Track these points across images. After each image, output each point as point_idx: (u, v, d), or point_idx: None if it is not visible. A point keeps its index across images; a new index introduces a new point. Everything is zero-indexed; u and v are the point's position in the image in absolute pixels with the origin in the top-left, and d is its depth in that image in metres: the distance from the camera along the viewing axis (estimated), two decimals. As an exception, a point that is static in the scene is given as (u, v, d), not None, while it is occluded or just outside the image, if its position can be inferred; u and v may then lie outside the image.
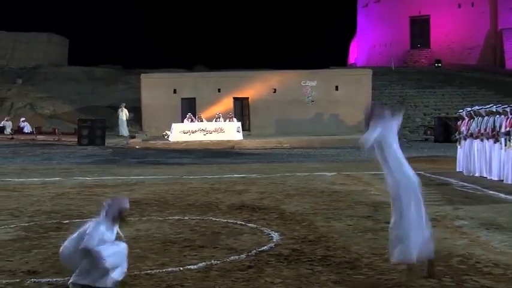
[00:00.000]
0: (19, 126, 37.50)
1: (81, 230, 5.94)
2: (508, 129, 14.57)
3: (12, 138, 34.63)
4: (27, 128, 37.26)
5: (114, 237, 5.96)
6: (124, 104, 37.17)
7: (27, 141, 33.01)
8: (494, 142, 15.31)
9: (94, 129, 31.51)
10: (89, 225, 5.87)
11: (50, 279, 6.34)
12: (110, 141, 31.84)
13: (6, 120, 38.22)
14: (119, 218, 6.02)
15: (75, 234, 5.98)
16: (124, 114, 36.77)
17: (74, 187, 14.35)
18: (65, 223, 9.60)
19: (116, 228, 6.02)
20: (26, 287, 6.16)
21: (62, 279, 6.33)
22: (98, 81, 49.34)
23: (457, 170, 17.41)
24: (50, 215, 10.36)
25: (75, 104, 44.95)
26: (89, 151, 27.43)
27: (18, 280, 6.33)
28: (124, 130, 36.61)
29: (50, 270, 6.74)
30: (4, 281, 6.28)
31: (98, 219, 5.92)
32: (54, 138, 34.17)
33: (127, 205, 6.19)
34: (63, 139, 33.74)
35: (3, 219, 10.00)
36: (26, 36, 57.00)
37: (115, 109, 38.03)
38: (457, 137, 17.89)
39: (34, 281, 6.30)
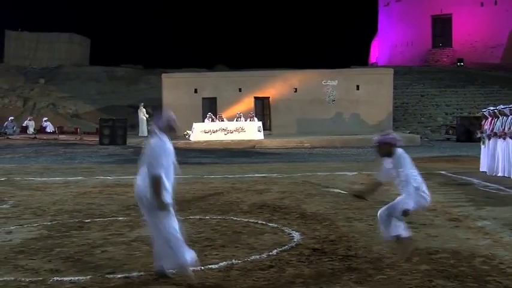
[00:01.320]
0: (41, 126, 37.83)
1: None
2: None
3: (35, 137, 34.91)
4: (50, 128, 37.58)
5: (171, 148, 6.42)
6: (143, 104, 37.30)
7: (50, 141, 33.25)
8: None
9: (115, 128, 31.65)
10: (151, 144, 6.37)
11: (72, 278, 6.38)
12: (131, 141, 31.97)
13: (29, 120, 38.60)
14: (169, 127, 6.52)
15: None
16: (143, 114, 36.90)
17: (95, 186, 14.43)
18: (86, 222, 9.66)
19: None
20: (48, 286, 6.19)
21: (83, 277, 6.37)
22: (119, 81, 49.63)
23: (481, 169, 17.26)
24: (72, 214, 10.43)
25: (96, 103, 45.27)
26: (111, 150, 27.57)
27: (41, 278, 6.37)
28: (143, 130, 36.73)
29: (72, 269, 6.78)
30: (27, 279, 6.33)
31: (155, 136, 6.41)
32: (76, 138, 34.41)
33: (173, 115, 6.69)
34: (84, 139, 33.98)
35: (27, 218, 10.08)
36: (48, 36, 57.54)
37: (136, 109, 38.19)
38: (480, 135, 17.76)
39: (57, 280, 6.33)
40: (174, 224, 6.25)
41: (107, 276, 6.45)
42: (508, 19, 56.48)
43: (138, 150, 28.24)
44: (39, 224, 9.51)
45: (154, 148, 6.33)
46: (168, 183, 6.26)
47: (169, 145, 6.41)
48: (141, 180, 6.44)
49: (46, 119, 38.81)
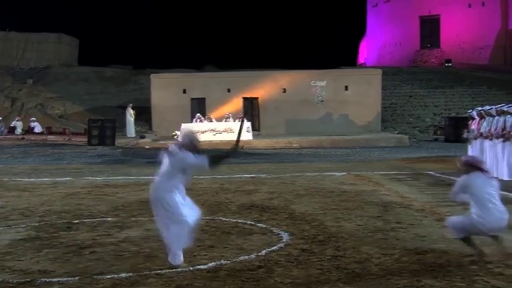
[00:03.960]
0: (29, 126, 37.65)
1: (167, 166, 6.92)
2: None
3: (23, 138, 34.75)
4: (38, 128, 37.41)
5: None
6: (131, 105, 37.20)
7: (38, 141, 33.10)
8: (504, 141, 15.29)
9: (104, 129, 31.56)
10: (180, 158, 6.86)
11: (61, 279, 6.36)
12: (119, 141, 31.90)
13: (17, 121, 38.42)
14: (193, 147, 6.99)
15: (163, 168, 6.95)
16: (130, 114, 36.79)
17: (84, 187, 14.39)
18: (75, 223, 9.64)
19: None
20: (36, 287, 6.18)
21: (72, 278, 6.36)
22: (108, 81, 49.48)
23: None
24: (60, 215, 10.40)
25: (85, 104, 45.11)
26: (99, 151, 27.50)
27: (29, 280, 6.34)
28: (130, 131, 36.64)
29: (60, 270, 6.76)
30: (15, 281, 6.30)
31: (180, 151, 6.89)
32: (64, 138, 34.27)
33: (194, 135, 7.33)
34: (73, 139, 33.84)
35: (14, 219, 10.04)
36: (37, 36, 57.24)
37: (125, 109, 38.09)
38: (466, 135, 17.85)
39: (45, 281, 6.31)
40: (181, 228, 6.76)
41: (95, 277, 6.43)
42: (496, 20, 56.78)
43: (127, 150, 28.11)
44: (27, 225, 9.47)
45: (185, 154, 6.88)
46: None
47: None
48: (159, 183, 6.92)
49: (34, 119, 38.62)
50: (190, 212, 6.90)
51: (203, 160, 6.90)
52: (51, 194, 13.13)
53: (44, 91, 47.35)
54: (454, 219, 7.28)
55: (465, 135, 18.26)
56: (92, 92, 46.84)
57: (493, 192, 7.05)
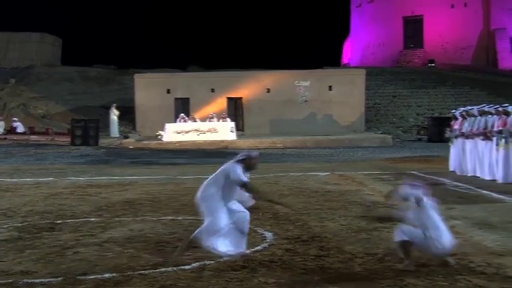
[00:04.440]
0: (12, 126, 37.35)
1: (217, 173, 7.31)
2: (500, 128, 14.66)
3: (5, 138, 34.49)
4: (20, 128, 37.12)
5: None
6: (115, 105, 37.05)
7: (20, 142, 32.90)
8: (483, 139, 15.42)
9: (87, 129, 31.44)
10: (227, 168, 7.23)
11: (43, 280, 6.33)
12: (103, 142, 31.78)
13: (-1, 120, 38.11)
14: (246, 162, 7.32)
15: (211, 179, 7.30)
16: (114, 114, 36.63)
17: (67, 187, 14.32)
18: (58, 223, 9.59)
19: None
20: (19, 288, 6.15)
21: (55, 279, 6.33)
22: (92, 81, 49.26)
23: (450, 169, 17.47)
24: (43, 215, 10.34)
25: (68, 104, 44.86)
26: (83, 151, 27.37)
27: (11, 281, 6.30)
28: (114, 131, 36.49)
29: (43, 271, 6.72)
30: (-3, 282, 6.26)
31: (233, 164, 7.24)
32: (47, 139, 34.07)
33: (255, 154, 7.59)
34: (56, 139, 33.64)
35: (-4, 220, 9.97)
36: (19, 36, 56.88)
37: (109, 109, 37.94)
38: (449, 135, 17.98)
39: (27, 282, 6.28)
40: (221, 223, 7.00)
41: (78, 277, 6.40)
42: (478, 21, 57.15)
43: (111, 150, 28.02)
44: (10, 226, 9.41)
45: (235, 168, 7.20)
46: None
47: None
48: (207, 187, 7.28)
49: (16, 119, 38.33)
50: (226, 217, 7.06)
51: (244, 178, 7.17)
52: (33, 195, 13.05)
53: (27, 91, 47.02)
54: (406, 227, 6.88)
55: (447, 134, 18.39)
56: (75, 92, 46.59)
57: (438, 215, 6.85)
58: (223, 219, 6.97)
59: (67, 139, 32.16)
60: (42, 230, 9.08)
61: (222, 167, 7.29)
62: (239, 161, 7.29)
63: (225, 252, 6.97)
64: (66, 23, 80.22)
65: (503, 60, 55.45)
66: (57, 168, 19.80)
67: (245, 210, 7.32)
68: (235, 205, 7.24)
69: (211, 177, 7.33)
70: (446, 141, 18.97)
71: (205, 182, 7.31)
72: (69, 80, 49.25)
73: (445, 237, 6.69)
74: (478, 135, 15.80)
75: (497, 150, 14.77)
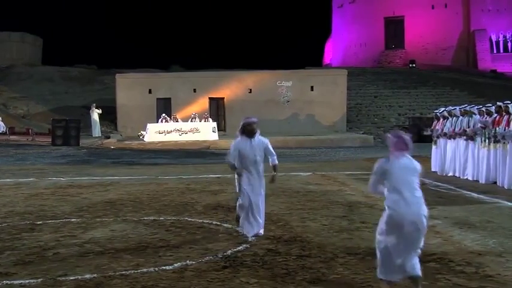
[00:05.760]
0: (-6, 126, 37.00)
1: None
2: (480, 125, 14.79)
3: (-15, 138, 34.17)
4: (0, 128, 36.80)
5: (250, 147, 8.49)
6: (95, 104, 36.82)
7: (0, 142, 32.59)
8: (466, 139, 15.53)
9: (68, 129, 31.25)
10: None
11: (23, 281, 6.28)
12: (84, 142, 31.61)
13: (-21, 121, 37.73)
14: (244, 130, 8.47)
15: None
16: (96, 114, 36.40)
17: (47, 188, 14.23)
18: (38, 224, 9.52)
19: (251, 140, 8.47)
20: (-2, 289, 6.10)
21: (35, 280, 6.28)
22: (73, 81, 49.00)
23: (432, 169, 17.57)
24: (23, 216, 10.26)
25: (49, 104, 44.56)
26: (63, 151, 27.20)
27: (-10, 282, 6.26)
28: (96, 131, 36.29)
29: (22, 272, 6.67)
30: (-24, 283, 6.21)
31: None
32: (27, 139, 33.82)
33: (251, 120, 8.56)
34: (37, 139, 33.42)
35: (-24, 221, 9.88)
36: (-1, 35, 56.47)
37: (90, 109, 37.71)
38: (429, 132, 18.09)
39: (6, 283, 6.23)
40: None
41: (58, 278, 6.36)
42: (458, 22, 57.59)
43: (92, 151, 27.87)
44: (-11, 227, 9.33)
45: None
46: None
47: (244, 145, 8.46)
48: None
49: (-2, 118, 38.00)
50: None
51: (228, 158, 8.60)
52: (13, 195, 12.95)
53: (7, 91, 46.66)
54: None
55: (427, 132, 18.52)
56: (56, 92, 46.31)
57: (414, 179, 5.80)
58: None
59: (48, 139, 31.96)
60: (22, 231, 9.01)
61: None
62: (241, 132, 8.44)
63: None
64: (47, 23, 79.69)
65: (483, 61, 55.94)
66: (38, 168, 19.66)
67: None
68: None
69: None
70: (428, 141, 19.06)
71: None
72: (50, 79, 48.95)
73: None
74: (460, 135, 15.92)
75: (481, 149, 14.84)
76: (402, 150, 5.79)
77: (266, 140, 8.65)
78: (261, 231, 8.41)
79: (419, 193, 5.68)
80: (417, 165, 5.81)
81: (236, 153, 8.46)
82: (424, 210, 5.64)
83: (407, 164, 5.76)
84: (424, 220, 5.57)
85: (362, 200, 11.79)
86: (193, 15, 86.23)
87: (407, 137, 5.81)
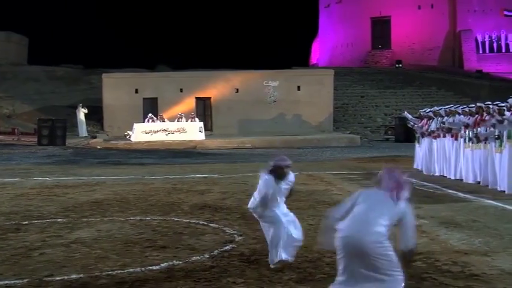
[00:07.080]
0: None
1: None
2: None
3: (-30, 138, 33.95)
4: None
5: (280, 188, 7.41)
6: (81, 104, 36.65)
7: (-15, 142, 32.41)
8: (452, 136, 15.63)
9: (54, 129, 31.09)
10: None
11: (8, 282, 6.25)
12: (70, 141, 31.46)
13: (-36, 120, 37.50)
14: (276, 172, 7.26)
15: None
16: (82, 113, 36.24)
17: (33, 188, 14.15)
18: (24, 224, 9.47)
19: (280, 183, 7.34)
20: (-16, 290, 6.07)
21: (20, 281, 6.25)
22: (59, 80, 48.74)
23: (414, 166, 17.74)
24: (8, 216, 10.20)
25: (35, 103, 44.31)
26: (49, 151, 27.07)
27: (-25, 283, 6.22)
28: (82, 131, 36.14)
29: (8, 273, 6.63)
30: (-39, 284, 6.17)
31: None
32: (13, 138, 33.61)
33: (285, 163, 7.53)
34: (22, 139, 33.22)
35: (-39, 221, 9.82)
36: (-16, 35, 56.05)
37: (76, 109, 37.54)
38: (410, 124, 18.30)
39: (-8, 284, 6.20)
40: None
41: (44, 279, 6.34)
42: (444, 22, 57.85)
43: (78, 150, 27.73)
44: (-25, 227, 9.27)
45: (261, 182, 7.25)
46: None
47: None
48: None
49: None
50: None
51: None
52: (-1, 195, 12.88)
53: (-8, 90, 46.35)
54: None
55: (409, 124, 18.80)
56: (42, 92, 46.04)
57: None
58: None
59: (33, 139, 31.79)
60: (8, 231, 8.96)
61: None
62: (270, 172, 7.27)
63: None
64: (33, 22, 79.27)
65: (469, 61, 56.23)
66: (24, 168, 19.55)
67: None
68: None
69: None
70: (413, 141, 19.18)
71: None
72: (35, 79, 48.66)
73: None
74: (443, 132, 16.03)
75: (466, 148, 14.92)
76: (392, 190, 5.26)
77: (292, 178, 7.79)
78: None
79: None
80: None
81: None
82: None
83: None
84: None
85: (348, 200, 11.79)
86: (179, 15, 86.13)
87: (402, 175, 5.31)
